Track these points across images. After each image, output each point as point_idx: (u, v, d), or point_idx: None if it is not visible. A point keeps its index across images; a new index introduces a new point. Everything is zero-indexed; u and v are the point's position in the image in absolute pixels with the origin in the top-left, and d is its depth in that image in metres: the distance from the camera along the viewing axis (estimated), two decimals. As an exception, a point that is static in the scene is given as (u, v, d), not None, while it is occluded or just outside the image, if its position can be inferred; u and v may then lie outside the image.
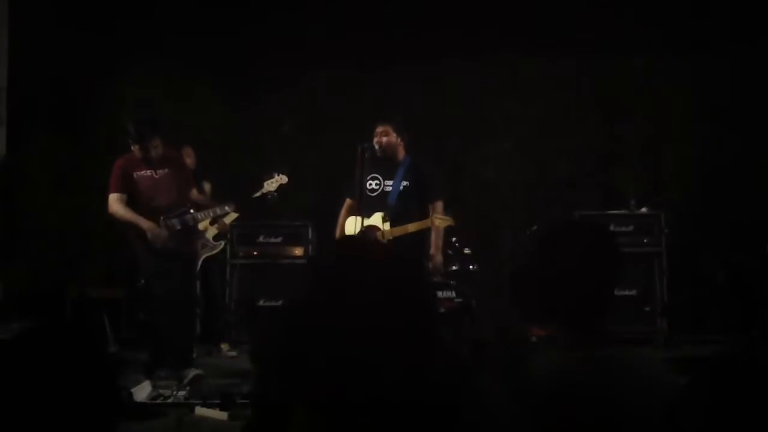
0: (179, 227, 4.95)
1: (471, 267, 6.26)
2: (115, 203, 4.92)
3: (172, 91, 7.42)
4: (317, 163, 7.48)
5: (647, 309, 6.31)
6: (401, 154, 4.87)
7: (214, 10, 7.19)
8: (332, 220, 5.25)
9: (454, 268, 6.25)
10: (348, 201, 5.03)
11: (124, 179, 4.93)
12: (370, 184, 4.81)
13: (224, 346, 6.23)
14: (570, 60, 7.15)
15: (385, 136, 4.79)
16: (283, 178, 6.04)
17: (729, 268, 6.49)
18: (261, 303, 6.71)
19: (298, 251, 6.82)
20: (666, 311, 6.34)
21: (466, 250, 6.28)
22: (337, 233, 5.02)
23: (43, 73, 7.14)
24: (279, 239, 6.85)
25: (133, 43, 7.18)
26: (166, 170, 4.99)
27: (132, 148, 4.91)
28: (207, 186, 6.41)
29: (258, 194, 5.95)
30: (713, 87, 7.06)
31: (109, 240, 6.58)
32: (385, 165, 4.83)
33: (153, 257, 4.91)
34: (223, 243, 6.20)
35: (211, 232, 6.06)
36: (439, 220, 4.65)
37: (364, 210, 4.68)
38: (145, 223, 4.85)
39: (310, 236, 6.81)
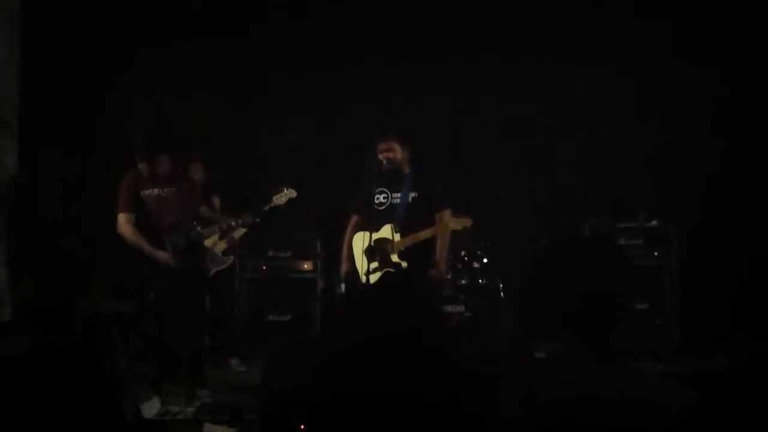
0: (184, 245, 4.94)
1: (480, 281, 6.24)
2: (123, 224, 4.92)
3: (181, 105, 7.46)
4: (326, 176, 7.49)
5: (658, 322, 6.26)
6: (407, 166, 4.87)
7: (223, 25, 7.24)
8: (341, 233, 5.23)
9: (463, 281, 6.23)
10: (354, 218, 5.01)
11: (131, 198, 4.92)
12: (378, 198, 4.81)
13: (233, 361, 6.21)
14: (578, 69, 7.14)
15: (390, 152, 4.78)
16: (292, 192, 6.05)
17: (740, 280, 6.45)
18: (270, 317, 6.69)
19: (306, 265, 6.82)
20: (677, 324, 6.30)
21: (476, 265, 6.26)
22: (345, 251, 5.00)
23: (53, 86, 7.20)
24: (288, 253, 6.85)
25: (142, 57, 7.23)
26: (173, 188, 4.98)
27: (138, 165, 4.90)
28: (216, 200, 6.43)
29: (267, 208, 5.97)
30: (724, 96, 7.03)
31: (119, 254, 6.60)
32: (392, 178, 4.82)
33: (161, 275, 4.92)
34: (232, 258, 6.21)
35: (221, 246, 6.07)
36: (455, 221, 4.63)
37: (372, 224, 4.67)
38: (151, 250, 4.86)
39: (318, 250, 6.81)
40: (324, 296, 6.76)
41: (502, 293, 6.33)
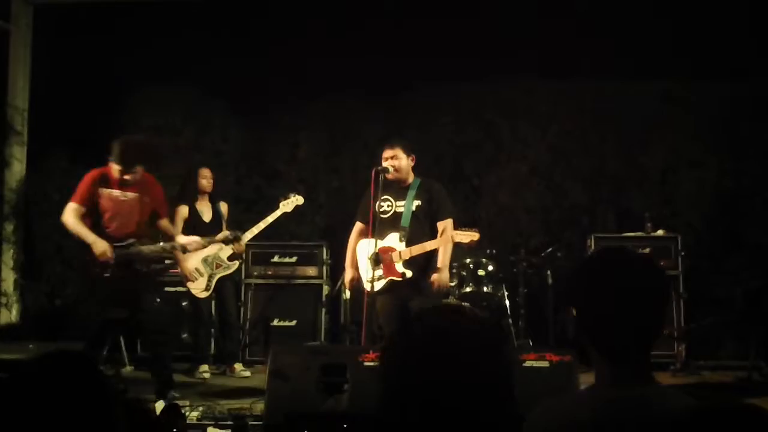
0: (121, 260, 4.77)
1: (485, 289, 6.24)
2: (69, 213, 4.79)
3: (190, 114, 7.51)
4: (332, 184, 7.52)
5: (664, 333, 6.23)
6: (411, 175, 4.88)
7: (232, 37, 7.28)
8: (346, 241, 5.22)
9: (468, 289, 6.23)
10: (358, 225, 5.00)
11: (89, 192, 4.82)
12: (382, 206, 4.80)
13: (238, 366, 6.22)
14: (587, 84, 7.15)
15: (396, 160, 4.78)
16: (299, 199, 6.09)
17: (747, 293, 6.41)
18: (275, 323, 6.71)
19: (312, 271, 6.83)
20: (683, 335, 6.27)
21: (481, 272, 6.25)
22: (348, 258, 4.99)
23: (64, 96, 7.25)
24: (293, 259, 6.86)
25: (153, 67, 7.27)
26: (136, 194, 4.87)
27: (112, 165, 4.80)
28: (224, 207, 6.43)
29: (275, 215, 6.00)
30: (731, 112, 7.03)
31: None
32: (395, 187, 4.83)
33: (101, 281, 4.80)
34: (237, 263, 6.22)
35: (226, 252, 6.09)
36: (462, 234, 4.61)
37: (377, 232, 4.67)
38: (91, 237, 4.70)
39: (324, 257, 6.82)
40: (329, 302, 6.77)
41: (507, 301, 6.32)
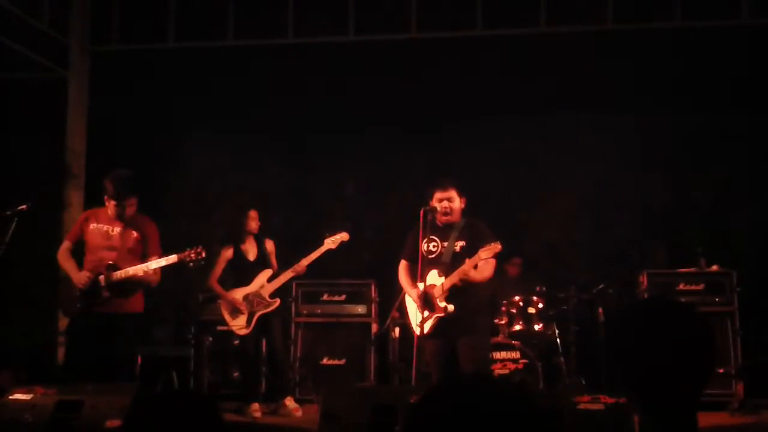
0: (90, 287, 4.91)
1: (536, 327, 6.18)
2: (60, 250, 5.11)
3: (238, 156, 7.66)
4: (379, 221, 7.56)
5: (720, 371, 6.06)
6: (459, 216, 4.84)
7: (278, 78, 7.45)
8: (393, 277, 5.21)
9: (517, 328, 6.17)
10: (403, 262, 5.00)
11: (79, 229, 5.10)
12: (427, 246, 4.80)
13: (289, 404, 6.23)
14: (633, 117, 7.10)
15: (450, 202, 4.77)
16: (345, 236, 6.12)
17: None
18: (324, 361, 6.73)
19: (360, 309, 6.85)
20: (741, 373, 6.09)
21: (531, 310, 6.20)
22: (406, 284, 4.93)
23: (118, 140, 7.49)
24: (342, 297, 6.90)
25: (204, 109, 7.48)
26: (120, 230, 4.99)
27: (106, 203, 4.98)
28: (270, 244, 6.48)
29: (319, 252, 6.04)
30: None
31: (179, 300, 6.76)
32: (442, 228, 4.82)
33: (77, 315, 5.01)
34: (278, 301, 6.19)
35: (267, 290, 6.13)
36: (485, 250, 4.52)
37: (423, 273, 4.67)
38: (75, 274, 4.93)
39: (372, 295, 6.84)
40: (378, 340, 6.77)
41: (558, 339, 6.24)
